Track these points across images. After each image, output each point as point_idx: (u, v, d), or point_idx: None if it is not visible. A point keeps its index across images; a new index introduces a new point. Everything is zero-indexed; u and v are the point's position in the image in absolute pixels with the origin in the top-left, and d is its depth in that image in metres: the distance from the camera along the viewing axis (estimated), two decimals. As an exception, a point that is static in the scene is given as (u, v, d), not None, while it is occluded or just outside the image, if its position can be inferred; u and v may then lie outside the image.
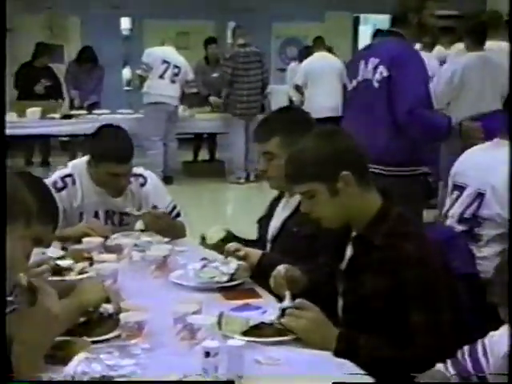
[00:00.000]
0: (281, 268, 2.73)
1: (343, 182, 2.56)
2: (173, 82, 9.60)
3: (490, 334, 2.09)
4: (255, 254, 3.06)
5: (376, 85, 4.38)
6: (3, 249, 1.95)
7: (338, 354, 2.45)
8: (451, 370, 2.10)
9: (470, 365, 2.07)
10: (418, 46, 7.63)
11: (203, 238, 3.27)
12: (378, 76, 4.38)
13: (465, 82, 6.25)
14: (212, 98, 10.38)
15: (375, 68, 4.40)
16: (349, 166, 2.57)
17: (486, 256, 3.69)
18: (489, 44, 6.45)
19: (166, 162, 9.68)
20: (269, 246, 3.32)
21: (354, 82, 4.55)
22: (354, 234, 2.68)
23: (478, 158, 3.92)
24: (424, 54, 6.50)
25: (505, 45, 6.63)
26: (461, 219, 3.74)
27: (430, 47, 7.83)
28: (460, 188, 3.85)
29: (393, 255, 2.50)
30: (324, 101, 9.28)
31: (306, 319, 2.50)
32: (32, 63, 10.86)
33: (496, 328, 3.29)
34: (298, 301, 2.57)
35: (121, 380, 1.96)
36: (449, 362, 2.13)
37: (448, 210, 3.87)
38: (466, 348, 2.11)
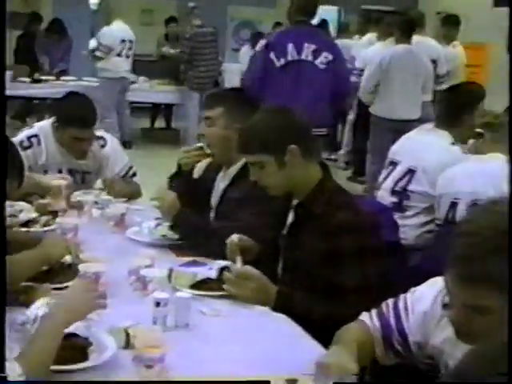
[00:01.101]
0: (234, 237, 2.71)
1: (290, 154, 2.56)
2: (127, 56, 9.49)
3: (411, 289, 2.08)
4: None
5: (322, 66, 4.68)
6: (3, 249, 1.93)
7: (275, 309, 2.46)
8: (376, 321, 2.09)
9: (392, 317, 2.06)
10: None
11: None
12: (322, 59, 4.67)
13: (391, 68, 6.32)
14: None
15: (315, 52, 4.67)
16: (296, 140, 2.57)
17: (411, 226, 3.75)
18: (415, 38, 6.51)
19: (122, 129, 9.60)
20: (213, 213, 3.29)
21: (283, 61, 4.74)
22: (295, 202, 2.68)
23: (413, 139, 4.01)
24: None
25: (429, 40, 6.74)
26: (393, 191, 3.81)
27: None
28: (394, 164, 3.92)
29: (329, 222, 2.51)
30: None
31: (248, 289, 2.48)
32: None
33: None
34: (242, 268, 2.54)
35: (121, 380, 1.94)
36: (373, 311, 2.12)
37: (382, 183, 3.93)
38: (390, 301, 2.11)
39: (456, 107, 3.89)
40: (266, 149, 2.57)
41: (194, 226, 3.01)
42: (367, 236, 2.57)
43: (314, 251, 2.52)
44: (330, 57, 4.81)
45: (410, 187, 3.79)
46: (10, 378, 1.63)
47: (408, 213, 3.78)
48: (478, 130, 3.82)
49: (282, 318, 2.40)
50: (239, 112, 3.11)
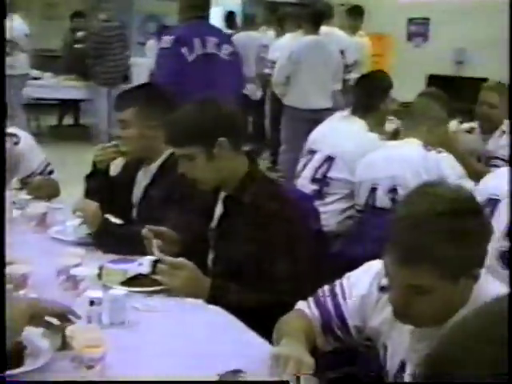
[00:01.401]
0: (144, 231, 2.66)
1: (219, 147, 2.54)
2: (26, 51, 9.23)
3: (346, 275, 2.10)
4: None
5: (226, 58, 4.80)
6: (3, 245, 1.87)
7: (210, 301, 2.44)
8: (314, 309, 2.09)
9: (330, 303, 2.07)
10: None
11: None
12: (225, 51, 4.82)
13: (301, 60, 6.35)
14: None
15: (218, 45, 4.80)
16: (225, 133, 2.54)
17: (332, 212, 3.79)
18: (323, 29, 6.57)
19: (29, 126, 9.33)
20: (135, 211, 3.22)
21: (194, 55, 4.79)
22: (223, 194, 2.66)
23: (331, 127, 4.06)
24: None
25: (337, 31, 6.82)
26: (313, 179, 3.84)
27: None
28: (313, 152, 3.96)
29: (259, 212, 2.50)
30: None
31: (182, 278, 2.44)
32: None
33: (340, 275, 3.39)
34: (170, 259, 2.51)
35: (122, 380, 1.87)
36: (310, 300, 2.13)
37: (301, 171, 3.96)
38: (326, 287, 2.12)
39: (370, 95, 3.96)
40: (195, 141, 2.54)
41: (118, 236, 2.90)
42: (296, 224, 2.57)
43: (245, 241, 2.50)
44: (230, 49, 4.87)
45: (330, 174, 3.83)
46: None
47: (328, 199, 3.82)
48: (391, 117, 3.91)
49: (216, 311, 2.37)
50: (153, 109, 3.06)
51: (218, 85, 4.75)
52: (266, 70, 7.63)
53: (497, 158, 4.64)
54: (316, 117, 6.15)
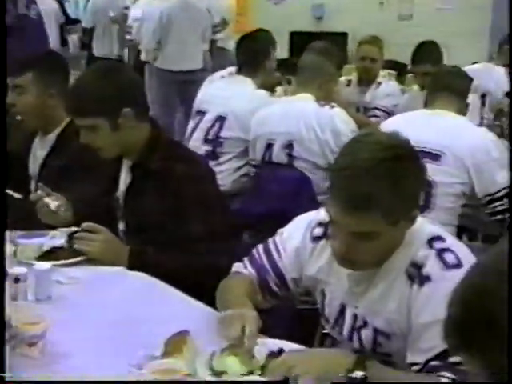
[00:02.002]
0: (47, 200, 2.57)
1: (124, 117, 2.46)
2: None
3: (278, 231, 2.11)
4: None
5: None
6: (3, 248, 1.80)
7: (131, 267, 2.39)
8: (250, 268, 2.09)
9: (265, 261, 2.07)
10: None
11: None
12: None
13: (172, 21, 6.25)
14: None
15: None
16: (130, 103, 2.47)
17: (227, 171, 3.79)
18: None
19: None
20: (33, 183, 3.07)
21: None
22: (129, 163, 2.60)
23: (219, 87, 4.04)
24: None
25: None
26: (205, 140, 3.82)
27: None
28: (202, 113, 3.92)
29: (170, 176, 2.45)
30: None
31: (99, 241, 2.40)
32: None
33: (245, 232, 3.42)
34: (86, 224, 2.44)
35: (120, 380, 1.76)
36: (246, 260, 2.13)
37: (191, 134, 3.92)
38: (259, 246, 2.12)
39: (254, 54, 3.97)
40: (100, 112, 2.44)
41: (20, 211, 2.69)
42: (207, 183, 2.57)
43: (158, 206, 2.46)
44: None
45: (222, 134, 3.81)
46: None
47: (222, 159, 3.81)
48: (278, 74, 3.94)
49: (138, 276, 2.33)
50: (52, 76, 2.92)
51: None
52: (128, 37, 7.44)
53: (375, 108, 4.79)
54: (188, 78, 6.11)
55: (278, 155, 3.54)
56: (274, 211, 3.30)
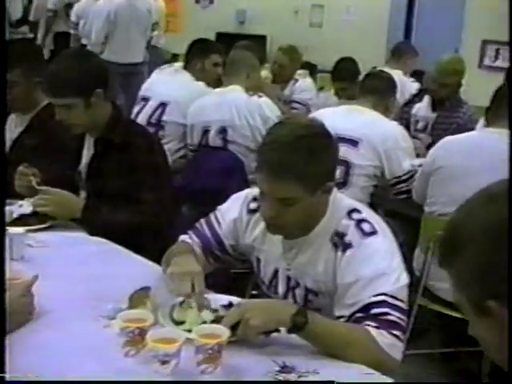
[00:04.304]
0: (21, 168, 2.55)
1: (96, 97, 2.50)
2: None
3: (218, 207, 2.15)
4: None
5: None
6: (3, 248, 1.74)
7: (83, 219, 2.46)
8: (194, 237, 2.12)
9: (207, 231, 2.11)
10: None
11: None
12: None
13: (118, 19, 6.16)
14: None
15: None
16: (100, 84, 2.51)
17: (167, 152, 3.78)
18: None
19: None
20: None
21: None
22: (91, 138, 2.61)
23: (162, 78, 4.05)
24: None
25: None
26: (148, 123, 3.81)
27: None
28: (146, 100, 3.92)
29: (130, 148, 2.51)
30: None
31: (54, 199, 2.44)
32: None
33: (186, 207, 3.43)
34: (42, 188, 2.45)
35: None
36: (190, 232, 2.15)
37: (135, 117, 3.90)
38: (202, 220, 2.15)
39: (191, 53, 4.01)
40: (76, 93, 2.46)
41: None
42: (160, 156, 2.64)
43: (117, 174, 2.49)
44: None
45: (164, 118, 3.82)
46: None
47: (163, 141, 3.79)
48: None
49: (102, 241, 2.34)
50: (36, 66, 2.87)
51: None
52: (71, 31, 7.26)
53: (294, 101, 4.87)
54: (130, 70, 6.05)
55: (214, 140, 3.57)
56: (209, 188, 3.34)
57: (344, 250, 1.81)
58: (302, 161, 1.73)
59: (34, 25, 8.01)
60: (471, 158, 2.77)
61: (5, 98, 2.38)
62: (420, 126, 4.38)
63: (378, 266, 1.77)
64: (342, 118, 3.14)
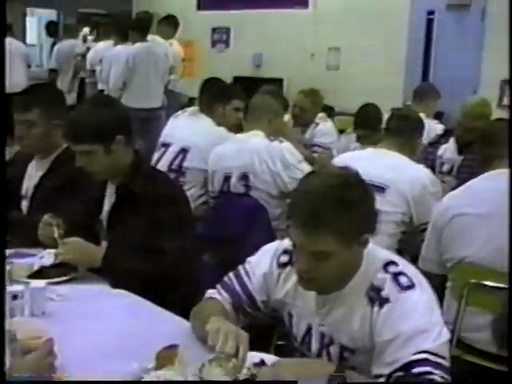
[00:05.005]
0: (45, 216, 2.52)
1: (117, 144, 2.47)
2: None
3: (247, 260, 2.07)
4: None
5: None
6: (3, 250, 1.74)
7: (103, 267, 2.41)
8: (223, 293, 2.04)
9: (237, 286, 2.03)
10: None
11: None
12: None
13: (136, 64, 6.19)
14: None
15: None
16: (121, 131, 2.49)
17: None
18: (150, 37, 6.44)
19: None
20: (26, 202, 2.96)
21: None
22: (113, 185, 2.57)
23: (183, 123, 4.02)
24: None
25: (158, 38, 6.66)
26: (169, 169, 3.77)
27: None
28: (167, 146, 3.90)
29: (151, 197, 2.46)
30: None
31: (73, 250, 2.41)
32: None
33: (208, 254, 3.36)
34: (62, 240, 2.42)
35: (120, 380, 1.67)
36: (219, 286, 2.07)
37: (156, 164, 3.87)
38: (231, 273, 2.07)
39: (211, 97, 3.98)
40: (96, 139, 2.44)
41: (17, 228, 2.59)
42: (184, 205, 2.60)
43: (139, 223, 2.44)
44: None
45: (185, 164, 3.78)
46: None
47: (184, 187, 3.75)
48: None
49: (123, 293, 2.28)
50: (55, 109, 2.85)
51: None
52: (87, 80, 7.33)
53: (315, 145, 4.82)
54: (148, 115, 6.05)
55: (236, 186, 3.51)
56: (232, 235, 3.27)
57: (381, 306, 1.73)
58: (337, 213, 1.66)
59: (54, 72, 8.15)
60: (489, 202, 2.68)
61: (5, 98, 2.33)
62: (445, 168, 4.31)
63: (417, 321, 1.69)
64: (367, 162, 3.06)
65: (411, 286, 1.74)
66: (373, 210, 1.79)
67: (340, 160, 3.32)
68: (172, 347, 1.76)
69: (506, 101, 6.88)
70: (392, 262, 1.80)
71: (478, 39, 7.04)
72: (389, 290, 1.74)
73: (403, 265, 1.81)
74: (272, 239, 3.35)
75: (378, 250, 1.84)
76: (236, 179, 3.51)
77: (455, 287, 2.69)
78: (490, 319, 2.60)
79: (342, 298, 1.81)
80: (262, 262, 2.01)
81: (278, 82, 8.15)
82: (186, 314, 2.10)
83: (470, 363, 2.65)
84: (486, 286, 2.60)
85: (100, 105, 2.53)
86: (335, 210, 1.66)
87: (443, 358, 1.67)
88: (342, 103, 7.31)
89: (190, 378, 1.66)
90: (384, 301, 1.73)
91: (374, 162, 3.10)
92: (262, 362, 1.77)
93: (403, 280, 1.75)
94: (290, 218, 1.75)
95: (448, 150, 4.36)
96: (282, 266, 1.96)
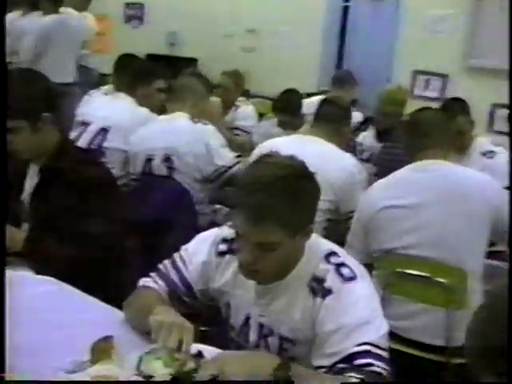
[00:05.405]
0: None
1: (43, 121, 2.36)
2: None
3: (183, 247, 2.01)
4: None
5: None
6: (3, 247, 1.66)
7: (25, 253, 2.32)
8: (160, 281, 1.97)
9: (174, 274, 1.96)
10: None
11: None
12: None
13: (51, 36, 5.91)
14: None
15: None
16: (49, 108, 2.38)
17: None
18: (62, 9, 6.17)
19: None
20: None
21: None
22: (35, 167, 2.45)
23: (100, 101, 3.88)
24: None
25: (72, 10, 6.37)
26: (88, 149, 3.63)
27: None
28: (86, 124, 3.76)
29: (79, 177, 2.37)
30: None
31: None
32: None
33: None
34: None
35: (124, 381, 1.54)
36: (153, 275, 1.99)
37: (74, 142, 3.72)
38: (166, 261, 2.00)
39: (133, 77, 3.87)
40: (21, 115, 2.31)
41: None
42: (112, 186, 2.53)
43: (64, 206, 2.33)
44: None
45: (105, 144, 3.66)
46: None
47: None
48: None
49: (49, 281, 2.17)
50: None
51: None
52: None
53: (236, 128, 4.79)
54: (62, 91, 5.81)
55: (159, 168, 3.42)
56: (155, 219, 3.19)
57: (323, 297, 1.72)
58: (286, 204, 1.63)
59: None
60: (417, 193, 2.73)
61: (5, 98, 2.19)
62: (365, 155, 4.38)
63: (360, 313, 1.69)
64: (294, 148, 3.03)
65: (353, 278, 1.73)
66: (318, 200, 1.77)
67: (267, 146, 3.29)
68: (107, 339, 1.68)
69: (417, 91, 7.04)
70: (333, 253, 1.79)
71: (392, 29, 7.17)
72: (331, 281, 1.72)
73: (344, 256, 1.81)
74: (196, 223, 3.33)
75: (319, 240, 1.83)
76: (159, 161, 3.42)
77: (381, 276, 2.72)
78: (415, 308, 2.66)
79: (283, 288, 1.78)
80: (199, 251, 1.95)
81: (193, 61, 8.04)
82: (112, 302, 2.02)
83: (395, 351, 2.70)
84: (412, 275, 2.65)
85: (27, 80, 2.40)
86: (284, 201, 1.63)
87: (384, 349, 1.68)
88: (257, 86, 7.29)
89: (128, 372, 1.59)
90: (327, 292, 1.72)
91: (301, 149, 3.06)
92: (200, 354, 1.72)
93: (345, 271, 1.74)
94: (235, 208, 1.71)
95: (367, 138, 4.42)
96: (221, 254, 1.92)
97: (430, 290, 2.65)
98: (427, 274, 2.63)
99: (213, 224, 3.25)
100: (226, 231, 1.92)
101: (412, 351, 2.63)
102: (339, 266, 1.75)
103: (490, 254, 2.82)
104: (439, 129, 2.79)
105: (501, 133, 5.74)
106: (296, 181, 1.67)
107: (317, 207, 1.78)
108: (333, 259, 1.77)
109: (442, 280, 2.61)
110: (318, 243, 1.81)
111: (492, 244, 2.80)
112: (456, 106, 3.71)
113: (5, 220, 2.12)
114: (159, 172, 3.42)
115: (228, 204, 3.57)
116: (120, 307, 1.98)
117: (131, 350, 1.67)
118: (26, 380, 1.28)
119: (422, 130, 2.81)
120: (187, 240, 2.03)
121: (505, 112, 5.98)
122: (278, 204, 1.63)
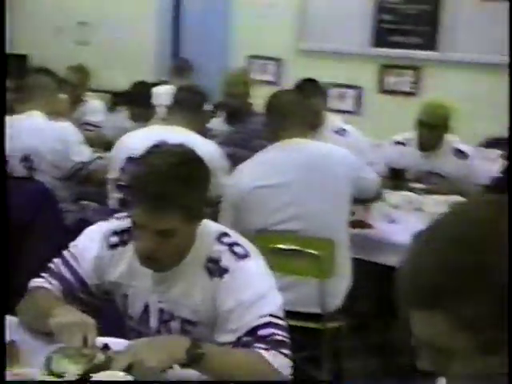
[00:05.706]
0: None
1: None
2: None
3: (71, 244, 1.99)
4: None
5: None
6: (3, 249, 1.61)
7: None
8: (54, 282, 1.94)
9: (66, 272, 1.94)
10: None
11: None
12: None
13: None
14: None
15: None
16: None
17: None
18: None
19: None
20: None
21: None
22: None
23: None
24: None
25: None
26: None
27: None
28: None
29: None
30: None
31: None
32: None
33: None
34: None
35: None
36: (45, 275, 1.96)
37: None
38: (56, 260, 1.97)
39: None
40: None
41: None
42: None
43: None
44: None
45: None
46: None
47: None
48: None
49: None
50: None
51: None
52: None
53: (86, 123, 4.71)
54: None
55: (17, 169, 3.32)
56: (17, 222, 3.10)
57: (221, 276, 1.80)
58: (182, 190, 1.70)
59: None
60: (282, 173, 2.87)
61: (4, 98, 1.99)
62: (217, 140, 4.47)
63: (257, 288, 1.79)
64: (159, 139, 3.08)
65: (246, 255, 1.83)
66: (209, 184, 1.84)
67: (127, 140, 3.30)
68: (10, 343, 1.66)
69: (253, 76, 7.23)
70: (225, 234, 1.87)
71: (226, 16, 7.30)
72: (226, 260, 1.80)
73: (235, 235, 1.90)
74: (61, 222, 3.27)
75: (208, 223, 1.90)
76: (17, 162, 3.32)
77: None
78: (289, 280, 2.80)
79: (181, 273, 1.84)
80: (90, 246, 1.95)
81: (22, 58, 7.71)
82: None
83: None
84: (283, 249, 2.79)
85: None
86: (180, 188, 1.69)
87: (282, 319, 1.79)
88: (94, 80, 7.15)
89: (39, 372, 1.59)
90: (223, 271, 1.80)
91: (165, 139, 3.12)
92: (106, 346, 1.74)
93: (238, 249, 1.83)
94: (131, 200, 1.75)
95: (217, 123, 4.53)
96: (113, 247, 1.93)
97: (301, 261, 2.81)
98: (297, 247, 2.79)
99: (83, 221, 3.23)
100: (116, 223, 1.94)
101: (290, 322, 2.78)
102: (232, 245, 1.84)
103: (353, 224, 3.03)
104: (297, 109, 2.95)
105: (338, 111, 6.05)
106: (189, 167, 1.74)
107: (208, 192, 1.85)
108: (225, 239, 1.85)
109: (312, 251, 2.77)
110: (209, 226, 1.89)
111: (352, 214, 3.01)
112: (309, 87, 3.91)
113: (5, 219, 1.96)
114: (18, 173, 3.32)
115: (94, 199, 3.53)
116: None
117: (36, 351, 1.67)
118: (26, 380, 1.25)
119: (281, 111, 2.96)
120: (53, 240, 2.01)
121: (342, 91, 6.34)
122: (174, 191, 1.68)
